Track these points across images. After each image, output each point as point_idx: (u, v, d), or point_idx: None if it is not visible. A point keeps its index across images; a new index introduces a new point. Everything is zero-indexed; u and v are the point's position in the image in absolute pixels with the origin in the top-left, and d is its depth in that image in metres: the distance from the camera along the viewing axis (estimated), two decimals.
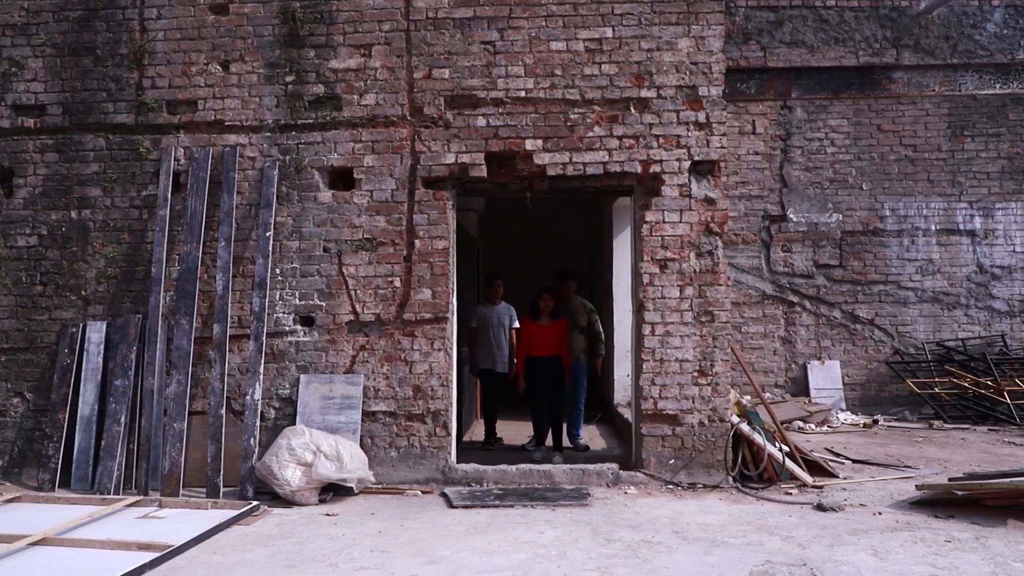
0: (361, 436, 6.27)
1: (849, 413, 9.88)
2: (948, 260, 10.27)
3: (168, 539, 4.75)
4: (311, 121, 6.56)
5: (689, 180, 6.35)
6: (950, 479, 5.86)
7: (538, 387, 7.53)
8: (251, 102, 6.61)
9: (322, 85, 6.55)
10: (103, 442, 6.27)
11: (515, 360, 7.93)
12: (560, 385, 7.53)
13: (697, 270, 6.32)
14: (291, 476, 5.71)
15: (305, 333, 6.46)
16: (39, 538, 4.77)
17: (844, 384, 10.20)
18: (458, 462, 6.44)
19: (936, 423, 9.30)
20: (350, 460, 5.84)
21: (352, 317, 6.43)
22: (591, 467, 6.25)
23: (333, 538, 4.91)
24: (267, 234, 6.42)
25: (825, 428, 9.12)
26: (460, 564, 4.38)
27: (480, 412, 8.59)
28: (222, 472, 6.09)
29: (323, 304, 6.46)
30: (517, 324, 8.05)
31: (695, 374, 6.27)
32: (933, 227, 10.28)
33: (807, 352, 10.29)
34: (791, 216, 10.32)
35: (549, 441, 7.60)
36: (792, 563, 4.35)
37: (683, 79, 6.37)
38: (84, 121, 6.74)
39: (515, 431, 8.53)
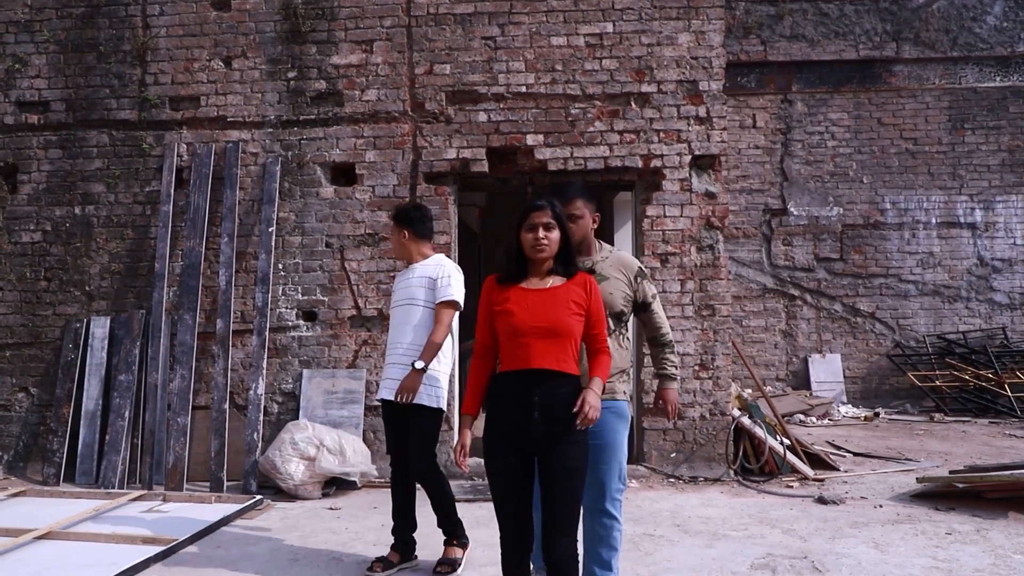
0: (364, 430, 6.31)
1: (850, 406, 9.90)
2: (949, 253, 10.28)
3: (172, 533, 4.79)
4: (313, 117, 6.58)
5: (690, 174, 6.37)
6: (951, 472, 5.88)
7: (514, 458, 3.10)
8: (253, 98, 6.63)
9: (324, 81, 6.57)
10: (107, 437, 6.31)
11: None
12: (575, 456, 3.03)
13: (698, 264, 6.34)
14: (294, 470, 5.74)
15: (308, 328, 6.49)
16: (45, 532, 4.80)
17: (845, 377, 10.22)
18: None
19: (937, 416, 9.32)
20: (353, 454, 5.87)
21: (354, 312, 6.46)
22: None
23: (336, 532, 4.95)
24: (269, 230, 6.45)
25: (826, 421, 9.14)
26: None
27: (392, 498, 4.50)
28: (225, 467, 6.12)
29: (325, 299, 6.49)
30: (451, 294, 4.32)
31: (696, 368, 6.29)
32: (934, 220, 10.29)
33: (808, 345, 10.31)
34: (792, 210, 10.33)
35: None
36: (793, 556, 4.37)
37: (683, 74, 6.38)
38: (87, 117, 6.77)
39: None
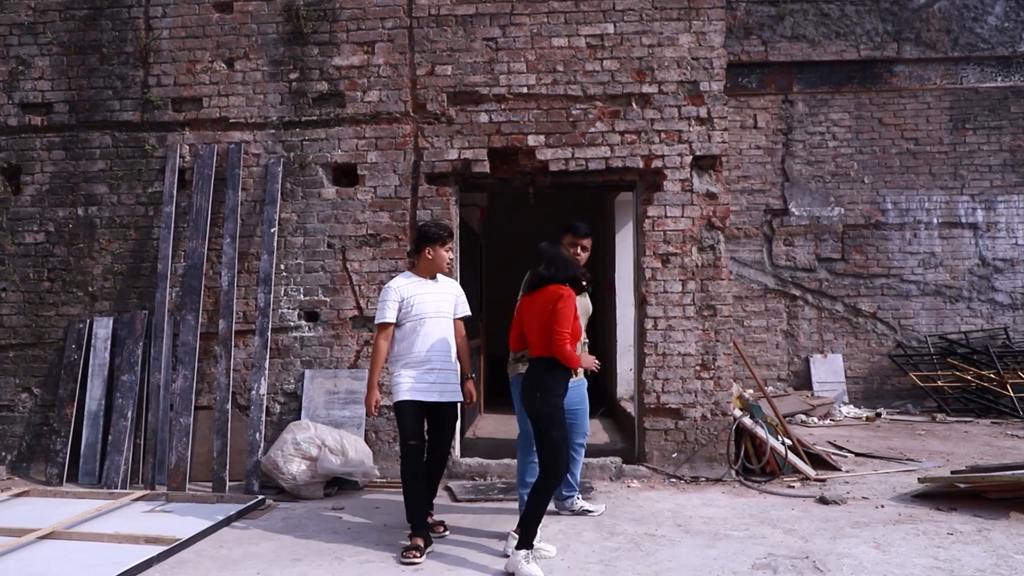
0: (365, 431, 6.32)
1: (852, 406, 9.89)
2: (950, 253, 10.27)
3: (175, 533, 4.80)
4: (315, 118, 6.60)
5: (691, 175, 6.37)
6: (953, 472, 5.88)
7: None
8: (255, 99, 6.64)
9: (326, 82, 6.59)
10: (110, 437, 6.32)
11: (470, 375, 5.02)
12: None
13: (699, 264, 6.34)
14: (296, 470, 5.75)
15: (310, 328, 6.51)
16: (48, 532, 4.83)
17: (847, 377, 10.21)
18: (461, 456, 6.49)
19: (939, 416, 9.31)
20: (355, 454, 5.88)
21: (356, 312, 6.47)
22: (594, 461, 6.28)
23: (339, 532, 4.96)
24: (272, 230, 6.46)
25: (828, 421, 9.14)
26: (464, 557, 4.42)
27: (405, 486, 4.72)
28: (228, 466, 6.14)
29: (327, 299, 6.50)
30: (468, 310, 5.11)
31: (697, 368, 6.30)
32: (935, 220, 10.28)
33: (809, 346, 10.31)
34: (793, 210, 10.32)
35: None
36: (794, 556, 4.38)
37: (684, 74, 6.39)
38: (90, 119, 6.79)
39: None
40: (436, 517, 4.93)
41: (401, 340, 4.77)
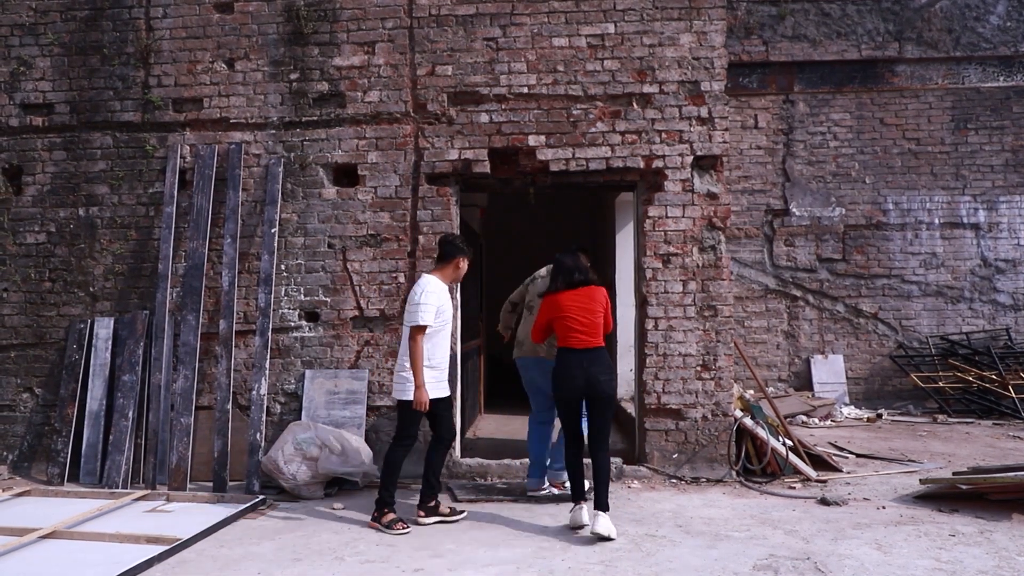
0: (366, 431, 6.32)
1: (852, 407, 9.88)
2: (952, 254, 10.26)
3: (176, 532, 4.80)
4: (315, 118, 6.60)
5: (691, 175, 6.37)
6: (954, 473, 5.87)
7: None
8: (256, 100, 6.65)
9: (326, 82, 6.59)
10: (111, 437, 6.33)
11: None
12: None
13: (700, 265, 6.34)
14: (297, 470, 5.76)
15: (310, 328, 6.51)
16: (49, 531, 4.83)
17: (847, 378, 10.20)
18: (461, 456, 6.49)
19: (940, 417, 9.30)
20: (355, 454, 5.88)
21: (356, 312, 6.47)
22: None
23: (339, 532, 4.96)
24: (272, 231, 6.47)
25: (828, 422, 9.13)
26: (465, 557, 4.42)
27: (389, 471, 5.27)
28: (228, 466, 6.14)
29: (328, 300, 6.50)
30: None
31: (698, 368, 6.29)
32: (936, 221, 10.27)
33: (810, 346, 10.30)
34: (794, 210, 10.32)
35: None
36: (796, 557, 4.37)
37: (685, 74, 6.39)
38: (91, 119, 6.79)
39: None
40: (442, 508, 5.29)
41: (425, 342, 5.11)
